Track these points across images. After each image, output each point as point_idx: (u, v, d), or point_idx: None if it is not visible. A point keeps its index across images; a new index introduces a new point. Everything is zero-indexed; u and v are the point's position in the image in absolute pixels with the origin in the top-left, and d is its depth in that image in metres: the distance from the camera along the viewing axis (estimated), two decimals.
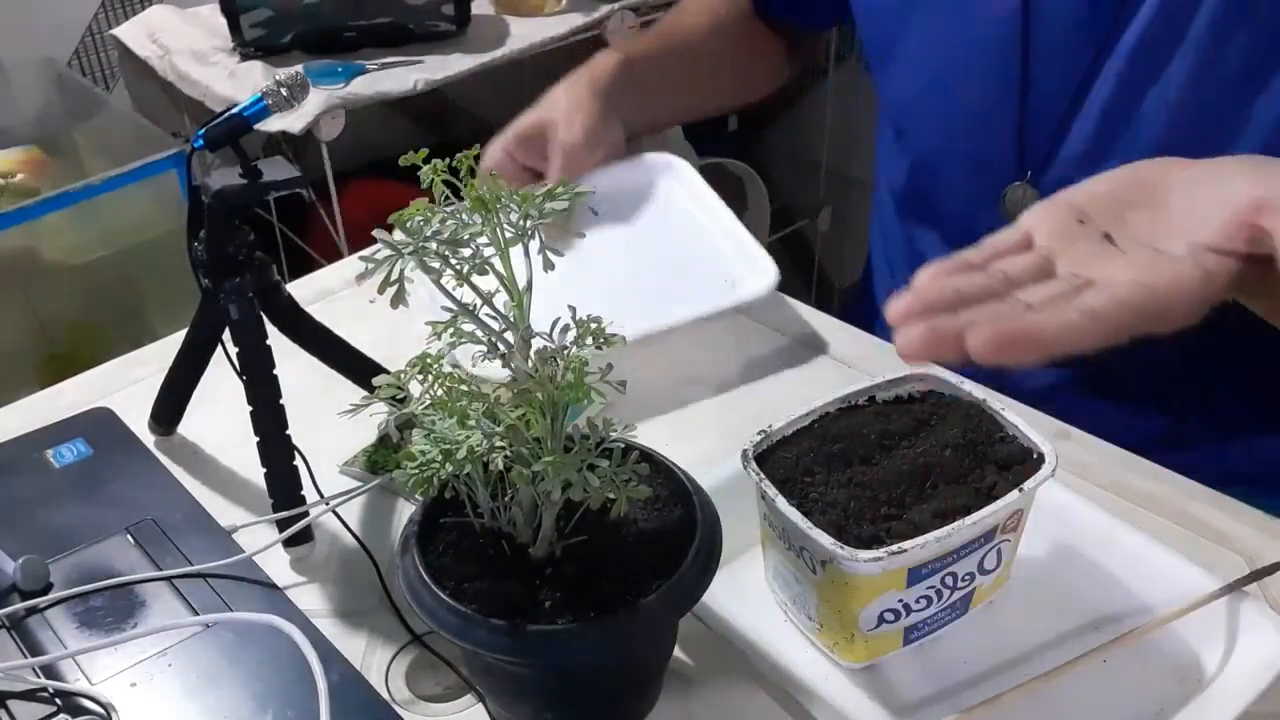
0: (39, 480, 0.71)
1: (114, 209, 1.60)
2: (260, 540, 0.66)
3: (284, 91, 0.63)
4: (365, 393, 0.52)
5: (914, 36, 0.84)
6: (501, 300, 0.49)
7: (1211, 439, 0.84)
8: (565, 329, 0.49)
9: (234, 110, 0.62)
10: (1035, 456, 0.55)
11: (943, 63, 0.82)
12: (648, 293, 0.84)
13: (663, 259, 0.88)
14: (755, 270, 0.82)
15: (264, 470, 0.66)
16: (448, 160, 0.48)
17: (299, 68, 0.80)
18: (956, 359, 0.47)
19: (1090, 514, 0.63)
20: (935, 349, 0.47)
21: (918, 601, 0.54)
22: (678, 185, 0.93)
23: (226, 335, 0.67)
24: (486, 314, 0.49)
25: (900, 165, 0.92)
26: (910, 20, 0.83)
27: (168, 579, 0.63)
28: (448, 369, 0.51)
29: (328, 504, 0.67)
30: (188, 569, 0.64)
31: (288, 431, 0.66)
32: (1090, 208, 0.55)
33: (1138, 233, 0.54)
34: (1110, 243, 0.54)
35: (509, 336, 0.49)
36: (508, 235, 0.47)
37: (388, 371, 0.64)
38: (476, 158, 0.48)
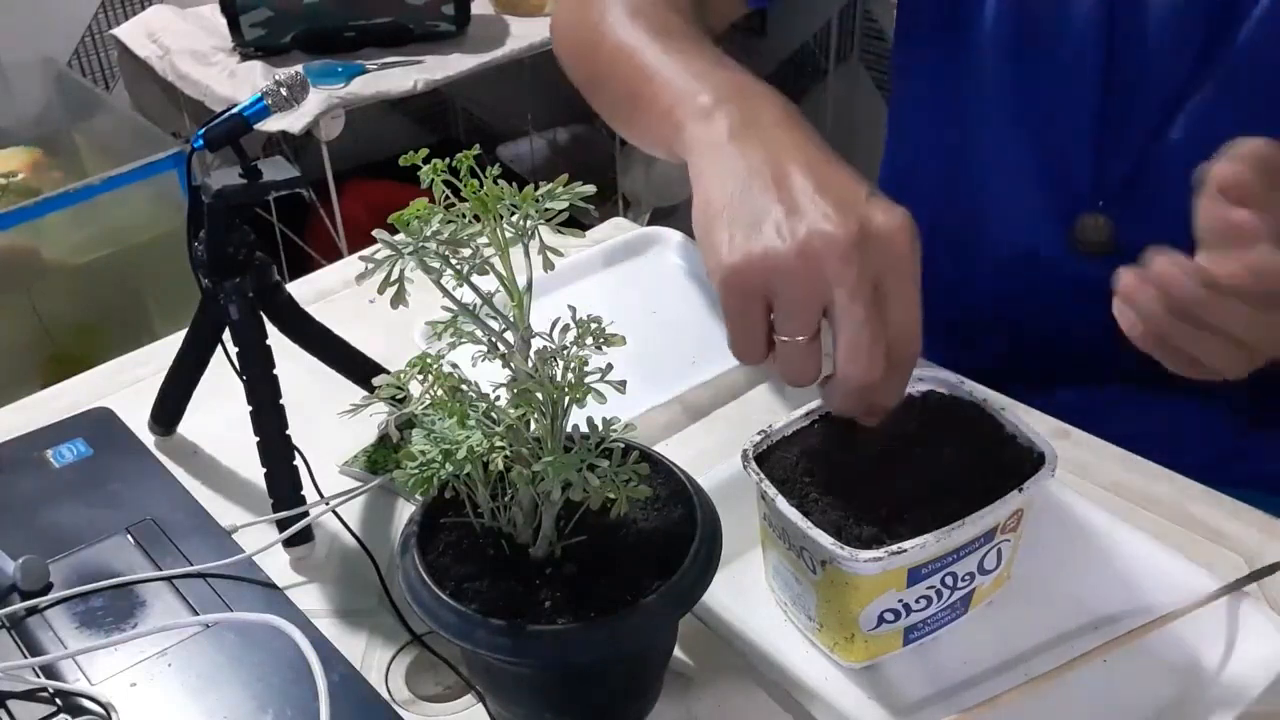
0: (39, 480, 0.71)
1: (114, 209, 1.60)
2: (260, 540, 0.66)
3: (284, 91, 0.63)
4: (365, 393, 0.52)
5: (992, 45, 0.80)
6: (501, 300, 0.49)
7: (1211, 438, 0.84)
8: (565, 329, 0.49)
9: (234, 110, 0.62)
10: (1035, 456, 0.55)
11: (1023, 74, 0.80)
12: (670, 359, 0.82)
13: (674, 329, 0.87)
14: None
15: (264, 470, 0.66)
16: (448, 160, 0.48)
17: (299, 68, 0.80)
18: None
19: (1090, 514, 0.63)
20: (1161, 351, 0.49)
21: (918, 601, 0.54)
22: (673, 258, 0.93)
23: (226, 335, 0.67)
24: (486, 314, 0.49)
25: (952, 180, 0.88)
26: (990, 28, 0.80)
27: (168, 579, 0.63)
28: (447, 369, 0.51)
29: (328, 504, 0.67)
30: (188, 569, 0.64)
31: (288, 431, 0.66)
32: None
33: None
34: None
35: (509, 336, 0.49)
36: (508, 235, 0.47)
37: (388, 371, 0.64)
38: (477, 158, 0.48)
